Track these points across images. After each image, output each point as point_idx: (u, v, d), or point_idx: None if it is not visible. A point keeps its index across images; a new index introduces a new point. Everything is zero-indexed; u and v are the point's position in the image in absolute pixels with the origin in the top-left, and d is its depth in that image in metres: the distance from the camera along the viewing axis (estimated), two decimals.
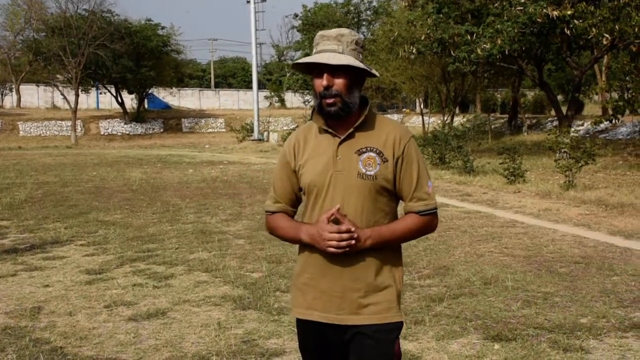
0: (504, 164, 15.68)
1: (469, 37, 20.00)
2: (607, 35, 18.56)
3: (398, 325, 2.59)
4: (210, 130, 50.06)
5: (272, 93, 59.18)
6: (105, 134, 47.12)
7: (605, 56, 26.89)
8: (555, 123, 31.94)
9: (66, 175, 19.80)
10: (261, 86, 62.49)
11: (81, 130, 46.29)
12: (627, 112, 21.98)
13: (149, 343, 5.23)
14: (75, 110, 42.93)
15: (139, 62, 46.32)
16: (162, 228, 10.48)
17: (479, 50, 19.01)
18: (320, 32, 2.58)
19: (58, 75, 47.35)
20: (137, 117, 48.70)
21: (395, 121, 2.70)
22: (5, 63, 56.01)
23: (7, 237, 9.90)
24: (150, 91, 51.76)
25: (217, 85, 76.38)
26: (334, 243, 2.42)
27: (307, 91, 48.52)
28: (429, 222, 2.61)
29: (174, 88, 54.53)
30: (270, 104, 59.21)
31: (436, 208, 2.63)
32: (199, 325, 5.64)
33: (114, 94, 48.82)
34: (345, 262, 2.51)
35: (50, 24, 44.50)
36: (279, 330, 5.49)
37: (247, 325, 5.64)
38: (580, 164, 14.29)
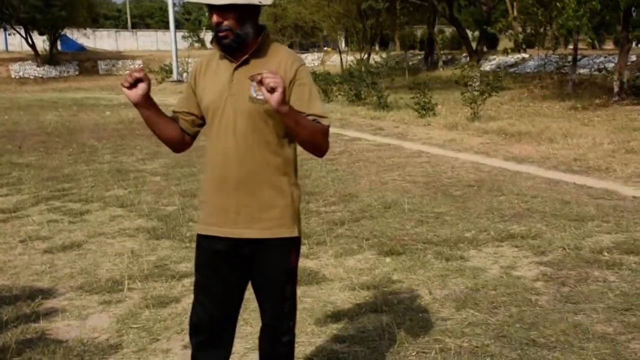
0: (415, 98, 16.25)
1: None
2: None
3: (292, 240, 2.83)
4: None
5: (190, 33, 58.13)
6: (17, 77, 45.51)
7: None
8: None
9: None
10: (180, 26, 61.23)
11: None
12: (536, 45, 22.89)
13: (64, 272, 5.52)
14: None
15: (49, 2, 44.56)
16: (77, 168, 10.59)
17: None
18: None
19: None
20: (50, 59, 47.17)
21: (288, 49, 2.89)
22: None
23: None
24: (62, 32, 50.00)
25: (135, 26, 74.17)
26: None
27: None
28: (326, 133, 2.77)
29: (88, 29, 52.87)
30: (191, 44, 58.13)
31: (329, 128, 2.79)
32: (113, 255, 5.95)
33: (24, 35, 46.98)
34: (241, 179, 2.74)
35: None
36: (190, 255, 5.83)
37: (160, 253, 5.98)
38: (484, 97, 14.98)
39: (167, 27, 51.89)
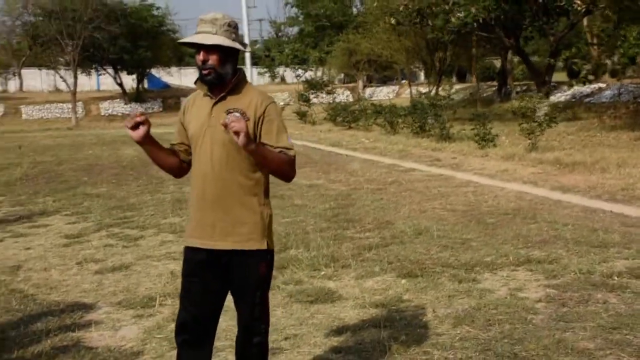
0: (475, 129, 16.42)
1: (445, 7, 20.63)
2: (578, 2, 19.17)
3: (262, 252, 3.26)
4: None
5: (266, 69, 59.83)
6: (106, 114, 47.90)
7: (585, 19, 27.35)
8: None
9: (62, 155, 20.66)
10: (260, 63, 63.09)
11: (82, 112, 47.10)
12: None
13: (108, 290, 6.10)
14: (74, 93, 43.67)
15: (136, 43, 46.93)
16: (142, 198, 11.33)
17: (453, 19, 19.66)
18: (200, 16, 3.33)
19: (60, 58, 48.02)
20: (137, 97, 49.49)
21: (260, 90, 3.39)
22: (6, 48, 56.81)
23: (0, 210, 10.78)
24: (149, 71, 52.44)
25: None
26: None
27: (298, 66, 49.20)
28: (292, 163, 3.24)
29: (172, 67, 55.20)
30: (273, 79, 59.77)
31: (294, 158, 3.26)
32: (154, 275, 6.50)
33: (113, 75, 49.56)
34: (216, 198, 3.22)
35: (47, 8, 45.11)
36: None
37: None
38: (542, 128, 15.02)
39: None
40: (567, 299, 5.20)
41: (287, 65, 54.00)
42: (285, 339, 4.69)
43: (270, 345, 4.48)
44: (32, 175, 15.42)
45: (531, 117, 15.30)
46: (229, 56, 3.24)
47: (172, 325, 5.02)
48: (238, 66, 3.31)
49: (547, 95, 22.61)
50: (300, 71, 48.04)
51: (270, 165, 3.22)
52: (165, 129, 33.44)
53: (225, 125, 3.01)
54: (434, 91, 29.79)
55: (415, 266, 6.30)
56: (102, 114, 47.90)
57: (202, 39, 3.18)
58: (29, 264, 7.13)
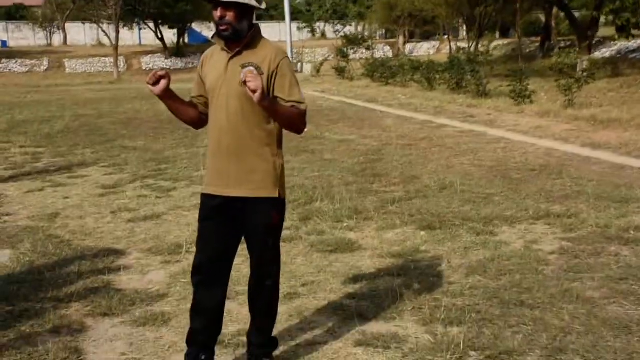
0: (511, 86, 16.29)
1: None
2: None
3: (273, 200, 3.44)
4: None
5: (305, 24, 59.50)
6: (147, 69, 48.32)
7: None
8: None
9: (103, 108, 21.11)
10: (300, 17, 62.74)
11: (124, 66, 47.70)
12: None
13: (140, 237, 6.38)
14: (116, 47, 44.21)
15: None
16: (177, 152, 11.61)
17: None
18: None
19: (102, 12, 48.49)
20: (177, 51, 49.83)
21: (275, 45, 3.54)
22: (51, 2, 57.58)
23: (41, 161, 11.17)
24: (190, 26, 52.66)
25: (259, 18, 76.58)
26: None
27: (338, 21, 48.76)
28: (303, 115, 3.41)
29: (212, 22, 55.35)
30: (313, 34, 59.49)
31: (305, 112, 3.43)
32: (184, 224, 6.76)
33: (154, 29, 49.91)
34: (231, 148, 3.41)
35: None
36: None
37: None
38: (580, 84, 14.83)
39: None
40: (580, 251, 5.30)
41: (326, 21, 53.58)
42: (303, 285, 4.90)
43: (288, 290, 4.75)
44: (73, 128, 15.84)
45: (568, 73, 15.10)
46: (246, 12, 3.38)
47: None
48: (261, 22, 3.45)
49: (590, 50, 22.17)
50: (339, 26, 47.73)
51: (282, 118, 3.40)
52: None
53: (244, 82, 3.18)
54: (473, 47, 29.40)
55: (435, 219, 6.44)
56: (144, 68, 48.39)
57: None
58: (67, 212, 7.45)
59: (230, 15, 3.33)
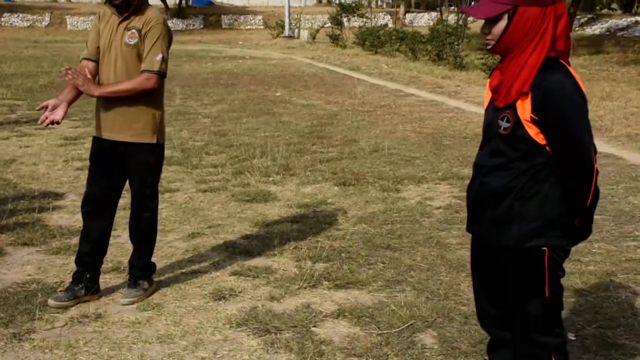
0: (483, 59, 16.74)
1: None
2: None
3: (151, 145, 4.03)
4: (248, 27, 51.07)
5: None
6: None
7: None
8: (584, 19, 32.10)
9: None
10: None
11: None
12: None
13: (82, 182, 6.90)
14: None
15: None
16: None
17: None
18: None
19: None
20: (179, 13, 50.10)
21: (156, 12, 4.12)
22: None
23: (16, 112, 11.76)
24: None
25: None
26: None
27: None
28: (146, 78, 3.95)
29: None
30: (320, 0, 59.44)
31: (158, 72, 3.95)
32: None
33: None
34: (117, 101, 3.99)
35: None
36: (187, 177, 7.16)
37: (164, 174, 7.29)
38: None
39: None
40: (463, 206, 5.87)
41: None
42: (209, 227, 5.52)
43: (192, 230, 5.38)
44: (56, 83, 16.37)
45: None
46: None
47: (122, 213, 5.92)
48: None
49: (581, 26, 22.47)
50: None
51: (122, 95, 3.97)
52: (202, 46, 34.30)
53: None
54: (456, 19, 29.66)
55: (353, 177, 7.02)
56: None
57: None
58: (23, 159, 8.05)
59: None
